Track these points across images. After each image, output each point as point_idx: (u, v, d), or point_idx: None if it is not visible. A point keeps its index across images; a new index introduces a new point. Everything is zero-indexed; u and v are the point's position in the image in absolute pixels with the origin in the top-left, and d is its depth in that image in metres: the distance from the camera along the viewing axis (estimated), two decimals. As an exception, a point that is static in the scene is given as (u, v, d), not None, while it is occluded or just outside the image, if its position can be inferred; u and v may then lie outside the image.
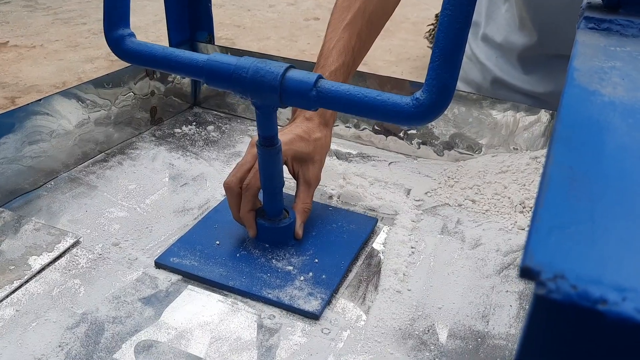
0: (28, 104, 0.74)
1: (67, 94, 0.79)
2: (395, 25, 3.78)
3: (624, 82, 0.31)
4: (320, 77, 0.51)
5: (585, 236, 0.19)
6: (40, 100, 0.75)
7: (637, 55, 0.35)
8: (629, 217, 0.20)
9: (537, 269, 0.17)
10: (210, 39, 1.02)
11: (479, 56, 0.93)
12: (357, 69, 0.76)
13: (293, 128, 0.67)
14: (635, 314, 0.16)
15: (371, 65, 3.17)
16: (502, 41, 0.89)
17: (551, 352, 0.18)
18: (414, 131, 0.88)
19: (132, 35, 0.56)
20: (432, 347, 0.53)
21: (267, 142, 0.58)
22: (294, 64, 0.54)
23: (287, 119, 0.94)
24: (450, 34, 0.44)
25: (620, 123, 0.27)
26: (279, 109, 0.56)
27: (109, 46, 0.55)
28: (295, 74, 0.51)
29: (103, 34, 0.56)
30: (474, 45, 0.94)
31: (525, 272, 0.17)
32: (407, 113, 0.47)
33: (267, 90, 0.51)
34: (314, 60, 0.74)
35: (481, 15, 0.92)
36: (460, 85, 0.93)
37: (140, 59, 0.55)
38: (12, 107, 0.75)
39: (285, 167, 0.65)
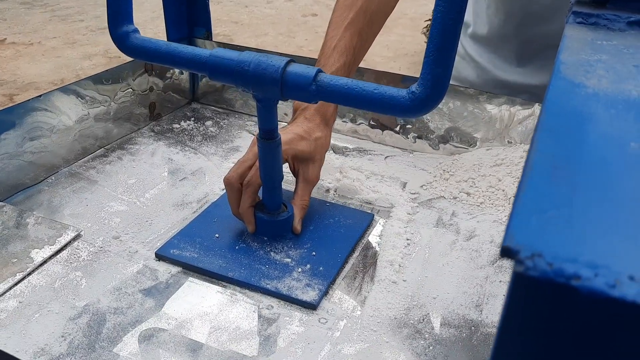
0: (28, 100, 0.75)
1: (66, 90, 0.80)
2: (393, 21, 3.79)
3: (608, 75, 0.32)
4: (319, 71, 0.52)
5: (563, 219, 0.20)
6: (40, 96, 0.76)
7: (622, 49, 0.37)
8: (606, 202, 0.21)
9: (517, 249, 0.18)
10: (208, 36, 1.03)
11: (472, 54, 0.94)
12: (355, 65, 0.76)
13: (294, 128, 0.68)
14: (606, 288, 0.17)
15: (369, 61, 3.18)
16: (489, 35, 0.90)
17: (530, 327, 0.19)
18: (409, 125, 0.89)
19: (137, 31, 0.57)
20: (427, 336, 0.54)
21: (268, 135, 0.59)
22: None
23: (285, 114, 0.95)
24: (444, 29, 0.45)
25: (603, 114, 0.28)
26: (278, 102, 0.58)
27: (114, 43, 0.57)
28: (295, 67, 0.52)
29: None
30: (466, 45, 0.95)
31: (506, 252, 0.18)
32: (404, 105, 0.49)
33: (269, 83, 0.52)
34: (312, 56, 0.74)
35: (469, 14, 0.93)
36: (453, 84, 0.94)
37: (145, 55, 0.57)
38: (11, 104, 0.76)
39: (285, 163, 0.66)
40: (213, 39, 1.04)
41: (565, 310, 0.18)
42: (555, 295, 0.18)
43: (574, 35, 0.38)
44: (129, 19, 0.57)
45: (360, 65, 0.79)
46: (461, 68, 0.96)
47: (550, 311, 0.18)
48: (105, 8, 0.56)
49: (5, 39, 3.58)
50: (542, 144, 0.25)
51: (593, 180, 0.22)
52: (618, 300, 0.17)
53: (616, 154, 0.25)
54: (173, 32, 1.00)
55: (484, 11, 0.91)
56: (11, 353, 0.50)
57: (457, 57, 0.82)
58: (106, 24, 0.57)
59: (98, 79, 0.85)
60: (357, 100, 0.50)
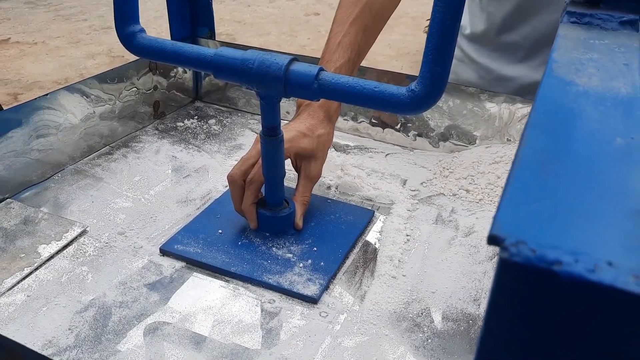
0: (35, 99, 0.76)
1: (72, 89, 0.81)
2: (395, 20, 3.80)
3: (598, 73, 0.33)
4: (321, 69, 0.53)
5: (548, 210, 0.21)
6: (46, 95, 0.77)
7: (614, 48, 0.38)
8: (590, 195, 0.22)
9: (503, 237, 0.19)
10: (212, 35, 1.04)
11: (471, 56, 0.95)
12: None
13: (297, 125, 0.69)
14: (585, 273, 0.18)
15: (371, 60, 3.18)
16: (488, 32, 0.91)
17: (515, 311, 0.20)
18: (410, 123, 0.90)
19: (143, 31, 0.58)
20: (425, 329, 0.55)
21: (271, 132, 0.60)
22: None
23: (287, 112, 0.97)
24: (442, 29, 0.46)
25: (592, 110, 0.29)
26: (281, 100, 0.59)
27: (122, 42, 0.58)
28: (298, 66, 0.54)
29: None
30: (464, 47, 0.96)
31: (492, 239, 0.19)
32: (403, 103, 0.50)
33: (272, 81, 0.53)
34: (315, 55, 0.75)
35: (465, 15, 0.94)
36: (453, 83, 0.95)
37: (152, 54, 0.58)
38: (16, 103, 0.77)
39: (287, 160, 0.67)
40: (216, 39, 1.06)
41: (547, 294, 0.19)
42: (538, 280, 0.19)
43: (567, 34, 0.39)
44: (135, 19, 0.58)
45: (362, 65, 0.80)
46: (460, 71, 0.97)
47: (533, 296, 0.19)
48: (108, 7, 0.57)
49: (9, 38, 3.60)
50: (532, 139, 0.26)
51: (579, 173, 0.23)
52: (596, 284, 0.18)
53: (602, 149, 0.26)
54: (177, 31, 1.01)
55: (484, 9, 0.91)
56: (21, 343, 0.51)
57: (455, 61, 0.83)
58: (109, 24, 0.59)
59: (103, 78, 0.86)
60: (358, 98, 0.52)
